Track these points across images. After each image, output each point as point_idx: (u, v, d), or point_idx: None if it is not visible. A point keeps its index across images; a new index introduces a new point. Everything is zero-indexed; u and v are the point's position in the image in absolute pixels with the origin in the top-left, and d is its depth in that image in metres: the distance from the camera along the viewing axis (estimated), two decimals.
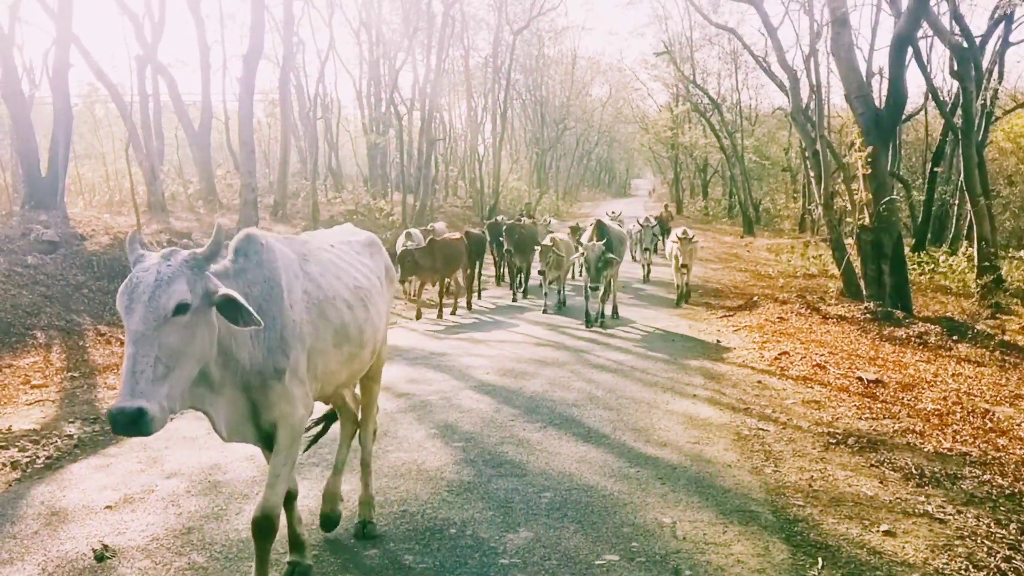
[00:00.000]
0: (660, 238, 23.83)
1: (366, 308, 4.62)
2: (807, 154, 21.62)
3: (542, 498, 5.71)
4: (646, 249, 20.79)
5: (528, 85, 55.37)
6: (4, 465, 6.42)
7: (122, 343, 11.27)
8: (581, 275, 15.12)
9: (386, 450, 6.76)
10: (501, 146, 40.91)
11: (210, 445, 6.94)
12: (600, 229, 13.17)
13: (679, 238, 15.48)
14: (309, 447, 5.57)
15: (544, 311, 14.98)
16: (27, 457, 6.63)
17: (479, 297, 17.05)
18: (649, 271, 20.83)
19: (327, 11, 34.75)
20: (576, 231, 18.57)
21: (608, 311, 14.05)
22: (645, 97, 58.42)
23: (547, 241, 14.78)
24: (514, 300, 16.90)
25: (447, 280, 15.28)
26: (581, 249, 13.01)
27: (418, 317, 14.24)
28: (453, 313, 14.95)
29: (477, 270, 16.78)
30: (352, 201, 30.03)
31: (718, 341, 12.02)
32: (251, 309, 3.39)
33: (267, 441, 4.06)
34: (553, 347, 11.51)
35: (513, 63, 43.22)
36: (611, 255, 12.71)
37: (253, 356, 3.76)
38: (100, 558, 4.74)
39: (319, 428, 5.60)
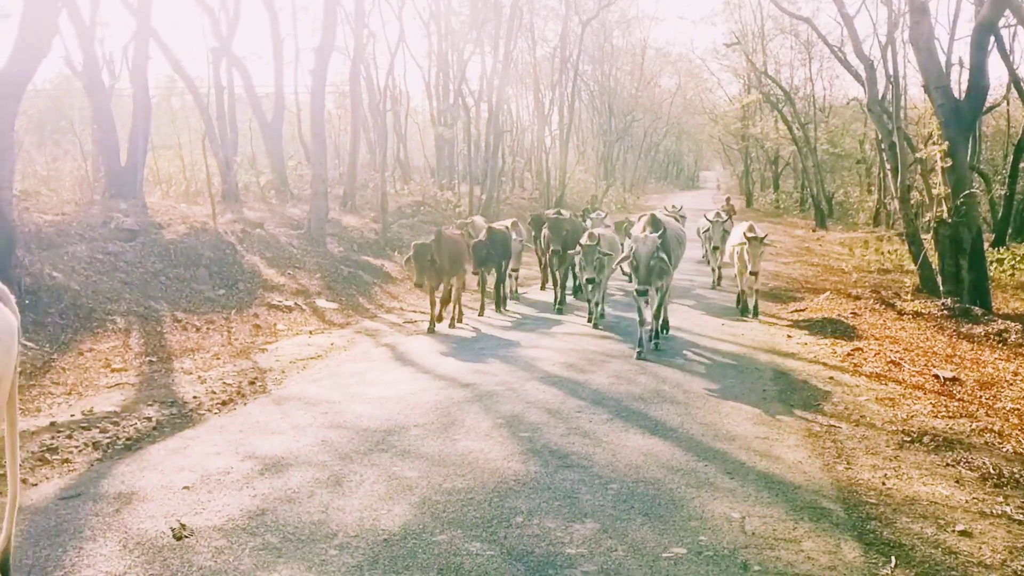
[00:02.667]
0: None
1: None
2: (883, 146, 21.06)
3: (608, 490, 5.71)
4: (716, 248, 17.12)
5: (596, 76, 55.08)
6: (86, 445, 6.66)
7: (197, 329, 11.59)
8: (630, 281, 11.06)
9: (453, 439, 6.83)
10: (568, 138, 40.73)
11: (282, 430, 7.11)
12: (654, 223, 10.54)
13: (747, 237, 12.98)
14: None
15: (591, 322, 12.66)
16: (108, 438, 6.87)
17: (504, 307, 14.58)
18: (720, 275, 17.66)
19: (397, 3, 35.01)
20: (622, 227, 16.53)
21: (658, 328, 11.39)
22: (715, 88, 57.67)
23: (585, 239, 12.28)
24: (558, 311, 14.18)
25: (451, 283, 13.03)
26: (629, 243, 10.50)
27: (432, 325, 12.40)
28: (451, 326, 12.72)
29: (504, 272, 14.63)
30: (419, 192, 30.29)
31: (788, 336, 11.84)
32: None
33: None
34: (617, 340, 11.45)
35: (581, 54, 43.02)
36: (663, 256, 10.07)
37: None
38: (178, 537, 4.89)
39: None
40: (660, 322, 11.32)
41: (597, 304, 12.70)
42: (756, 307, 13.65)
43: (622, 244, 13.46)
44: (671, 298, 12.48)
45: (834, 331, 12.07)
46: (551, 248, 14.03)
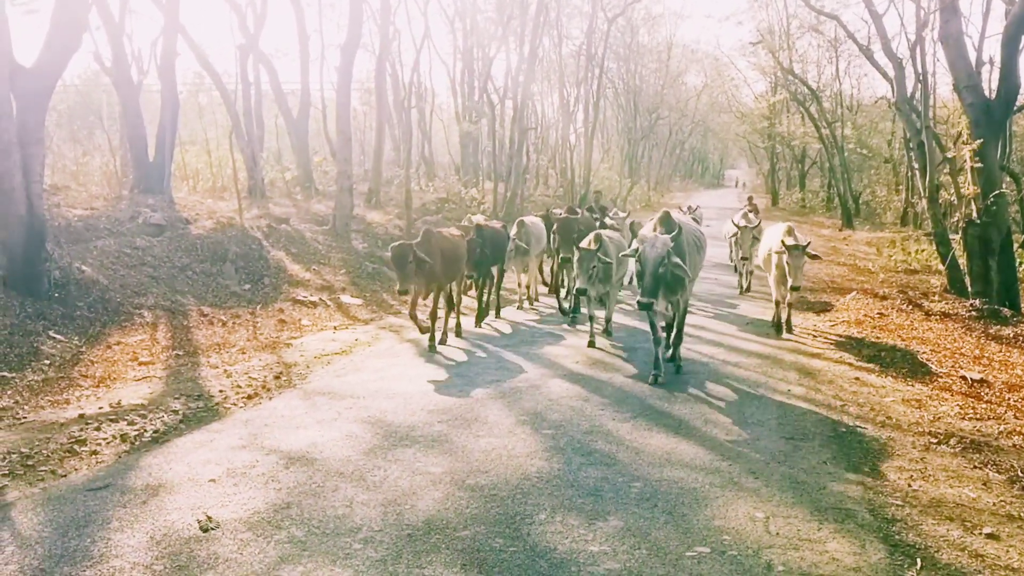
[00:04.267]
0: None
1: None
2: (911, 145, 20.90)
3: (632, 488, 5.70)
4: (744, 258, 15.72)
5: (621, 74, 54.92)
6: (115, 437, 6.74)
7: (223, 323, 11.69)
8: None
9: (477, 435, 6.85)
10: (593, 135, 40.66)
11: (307, 424, 7.15)
12: (667, 221, 8.91)
13: (786, 245, 10.95)
14: None
15: (590, 344, 10.58)
16: (135, 430, 6.94)
17: (497, 315, 13.02)
18: (750, 282, 16.25)
19: (423, 0, 35.06)
20: (632, 228, 14.88)
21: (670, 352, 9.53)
22: (741, 85, 57.30)
23: (588, 241, 10.50)
24: (569, 321, 12.58)
25: (445, 290, 11.23)
26: (635, 244, 8.70)
27: (432, 342, 10.59)
28: (443, 341, 11.01)
29: (497, 280, 13.14)
30: (444, 189, 30.34)
31: (813, 336, 11.75)
32: None
33: None
34: (643, 336, 11.42)
35: (607, 51, 42.90)
36: (678, 262, 8.38)
37: None
38: (204, 529, 4.94)
39: None
40: (673, 351, 9.51)
41: (601, 320, 11.22)
42: (789, 321, 11.82)
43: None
44: (688, 314, 10.17)
45: (860, 331, 11.94)
46: (560, 254, 12.75)
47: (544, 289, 16.13)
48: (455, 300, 11.68)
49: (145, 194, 16.37)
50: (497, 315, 13.02)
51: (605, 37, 39.64)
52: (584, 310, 11.49)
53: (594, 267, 10.11)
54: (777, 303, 11.89)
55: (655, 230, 8.82)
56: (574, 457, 6.35)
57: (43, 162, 10.85)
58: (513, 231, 13.29)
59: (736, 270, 17.27)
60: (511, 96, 34.37)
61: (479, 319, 12.41)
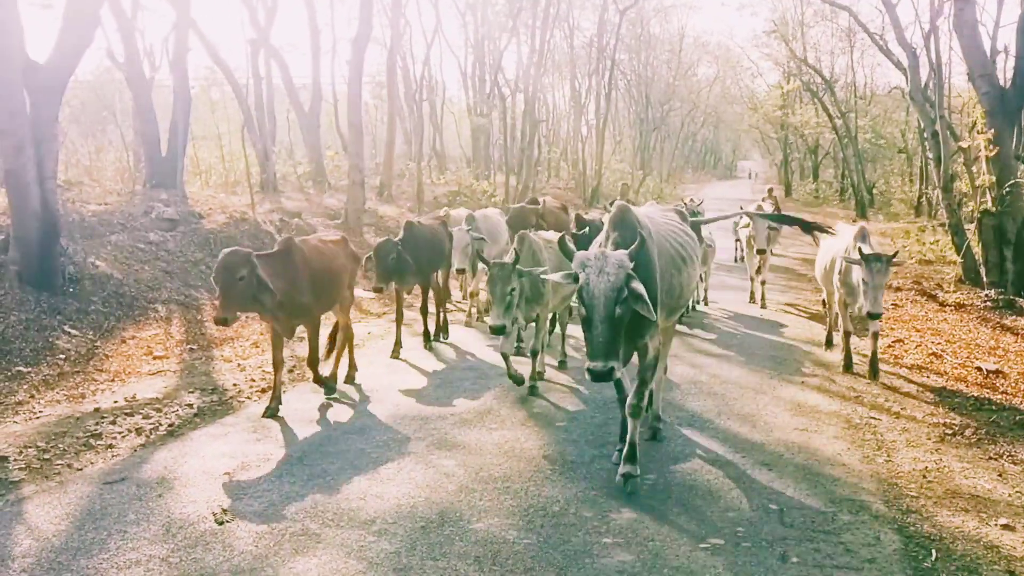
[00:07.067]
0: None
1: None
2: (925, 135, 20.71)
3: (645, 480, 5.69)
4: (760, 251, 12.76)
5: (632, 65, 54.69)
6: (130, 431, 6.78)
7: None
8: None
9: (490, 428, 6.86)
10: (604, 127, 40.55)
11: (320, 417, 7.19)
12: (622, 222, 5.48)
13: (863, 255, 8.02)
14: None
15: (529, 383, 7.96)
16: (150, 424, 6.98)
17: (430, 342, 10.27)
18: (764, 292, 13.26)
19: None
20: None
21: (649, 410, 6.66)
22: (755, 76, 57.02)
23: (513, 252, 7.48)
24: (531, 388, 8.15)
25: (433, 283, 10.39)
26: (577, 267, 5.07)
27: (397, 350, 9.69)
28: (443, 337, 10.51)
29: (437, 291, 10.85)
30: (455, 182, 30.33)
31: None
32: None
33: None
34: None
35: (618, 43, 42.74)
36: (640, 292, 4.90)
37: None
38: (220, 522, 4.96)
39: None
40: (651, 408, 6.61)
41: (533, 353, 8.08)
42: (875, 362, 8.75)
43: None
44: (668, 355, 7.20)
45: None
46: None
47: None
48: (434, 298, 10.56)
49: (158, 189, 16.42)
50: (429, 342, 10.26)
51: (616, 29, 39.48)
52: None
53: (512, 291, 7.06)
54: (846, 334, 9.16)
55: (608, 242, 5.47)
56: (587, 449, 6.36)
57: (57, 158, 10.89)
58: (460, 227, 10.58)
59: (740, 263, 15.52)
60: (522, 88, 34.31)
61: (394, 350, 9.76)
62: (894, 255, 8.30)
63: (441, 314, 10.78)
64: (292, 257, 7.38)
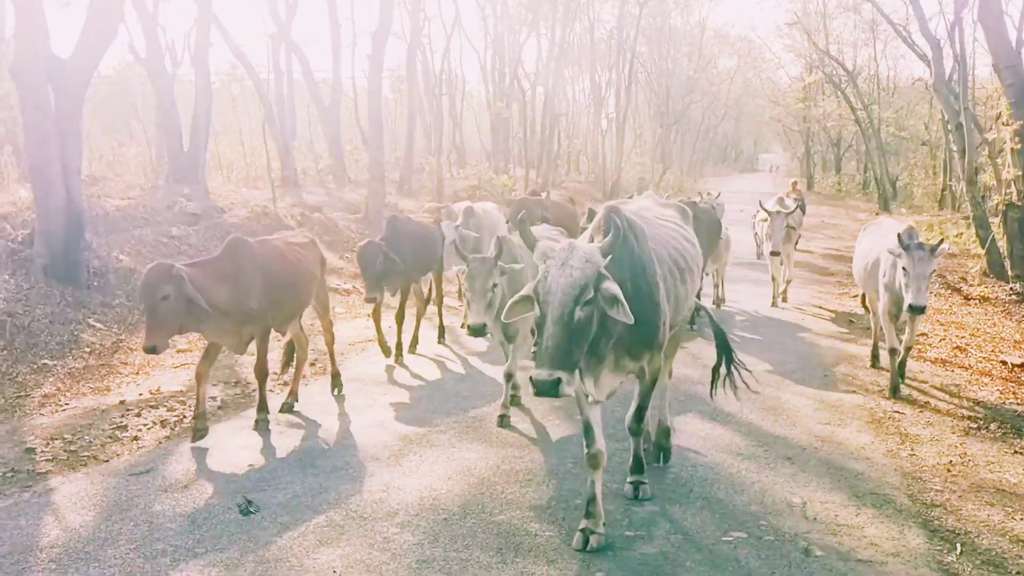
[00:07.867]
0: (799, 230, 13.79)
1: None
2: (949, 127, 20.48)
3: (667, 474, 5.69)
4: (774, 253, 11.87)
5: (653, 58, 54.44)
6: (155, 423, 6.85)
7: None
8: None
9: (512, 421, 6.85)
10: (624, 121, 40.41)
11: (342, 410, 7.22)
12: (607, 221, 4.62)
13: (903, 244, 7.28)
14: None
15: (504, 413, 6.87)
16: (175, 417, 7.05)
17: (403, 353, 9.36)
18: (786, 291, 12.75)
19: None
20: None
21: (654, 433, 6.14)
22: (776, 68, 56.67)
23: (488, 253, 6.84)
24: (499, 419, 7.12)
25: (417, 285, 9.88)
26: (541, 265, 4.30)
27: (388, 354, 9.09)
28: (398, 359, 9.16)
29: (432, 294, 10.58)
30: (475, 176, 30.33)
31: (850, 320, 11.61)
32: None
33: None
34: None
35: (638, 36, 42.57)
36: (615, 294, 4.15)
37: None
38: (244, 512, 5.00)
39: None
40: (654, 438, 6.06)
41: (507, 377, 6.98)
42: (897, 376, 7.93)
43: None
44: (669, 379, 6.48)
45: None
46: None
47: None
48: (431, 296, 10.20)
49: (180, 183, 16.53)
50: (400, 357, 9.27)
51: (637, 21, 39.31)
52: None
53: (494, 287, 6.46)
54: (894, 351, 7.93)
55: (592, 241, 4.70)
56: (608, 443, 6.30)
57: (80, 152, 10.98)
58: (456, 222, 10.03)
59: (760, 259, 14.83)
60: (542, 82, 34.27)
61: (397, 351, 9.21)
62: (940, 242, 7.50)
63: (438, 315, 10.31)
64: (239, 260, 6.63)
